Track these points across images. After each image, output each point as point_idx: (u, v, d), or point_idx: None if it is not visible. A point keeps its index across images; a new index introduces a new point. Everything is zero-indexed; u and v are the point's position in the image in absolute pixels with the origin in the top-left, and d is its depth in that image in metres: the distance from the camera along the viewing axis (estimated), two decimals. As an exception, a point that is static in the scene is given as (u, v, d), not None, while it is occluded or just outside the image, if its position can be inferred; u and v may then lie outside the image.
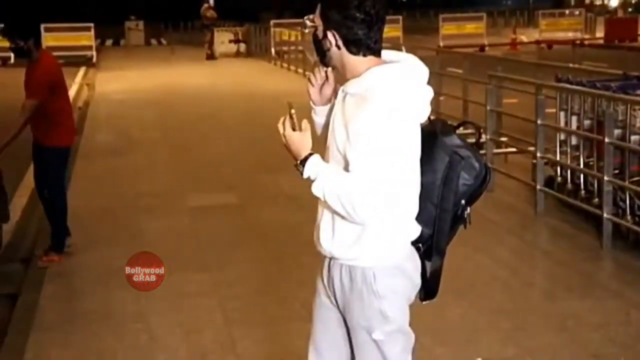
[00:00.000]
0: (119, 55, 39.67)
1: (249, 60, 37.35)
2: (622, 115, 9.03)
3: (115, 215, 10.91)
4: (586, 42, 38.85)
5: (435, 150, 4.27)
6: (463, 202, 4.31)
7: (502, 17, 57.95)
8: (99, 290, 8.39)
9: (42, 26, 36.96)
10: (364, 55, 4.12)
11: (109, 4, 66.48)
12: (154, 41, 48.96)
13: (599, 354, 6.55)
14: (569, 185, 10.25)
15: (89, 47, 37.34)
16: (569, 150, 10.28)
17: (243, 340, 7.08)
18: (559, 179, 10.52)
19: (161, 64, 35.19)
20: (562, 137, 10.41)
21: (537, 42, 39.18)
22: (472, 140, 4.46)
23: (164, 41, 48.22)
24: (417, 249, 4.29)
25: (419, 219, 4.23)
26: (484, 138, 10.84)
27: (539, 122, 10.42)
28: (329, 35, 4.11)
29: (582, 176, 9.97)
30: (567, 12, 49.75)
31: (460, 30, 40.51)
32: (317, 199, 4.16)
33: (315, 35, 4.21)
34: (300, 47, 29.62)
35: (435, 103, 15.97)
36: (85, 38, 37.80)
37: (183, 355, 6.92)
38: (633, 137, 8.93)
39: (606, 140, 8.91)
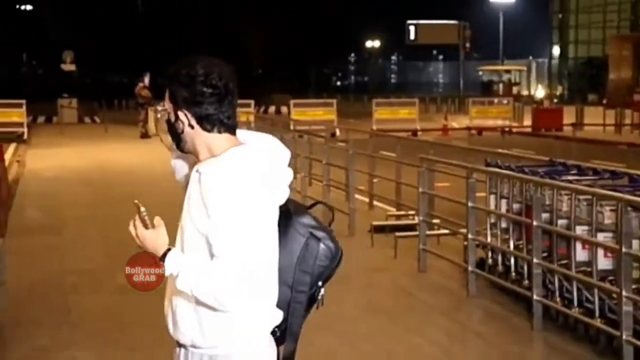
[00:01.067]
0: (51, 132, 39.08)
1: None
2: (549, 200, 9.14)
3: (43, 293, 10.71)
4: (514, 130, 39.19)
5: (290, 230, 4.18)
6: (320, 283, 4.25)
7: (434, 104, 58.63)
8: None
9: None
10: (219, 132, 4.03)
11: (42, 82, 65.80)
12: (87, 119, 48.23)
13: None
14: (500, 267, 10.33)
15: (20, 124, 37.13)
16: (499, 232, 10.37)
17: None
18: (490, 261, 10.58)
19: (95, 141, 34.89)
20: (493, 220, 10.52)
21: (468, 128, 39.40)
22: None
23: (97, 119, 47.64)
24: (273, 333, 4.14)
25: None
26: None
27: (469, 204, 10.48)
28: (181, 115, 4.01)
29: (512, 258, 10.02)
30: (495, 100, 50.78)
31: (393, 114, 40.87)
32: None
33: (168, 120, 4.10)
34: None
35: (368, 185, 16.26)
36: (16, 114, 37.68)
37: None
38: (560, 221, 9.01)
39: (534, 223, 9.01)
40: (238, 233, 3.87)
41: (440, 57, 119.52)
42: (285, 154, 4.13)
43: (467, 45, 74.30)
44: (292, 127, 26.86)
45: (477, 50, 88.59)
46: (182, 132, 4.04)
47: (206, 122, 4.00)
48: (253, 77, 76.14)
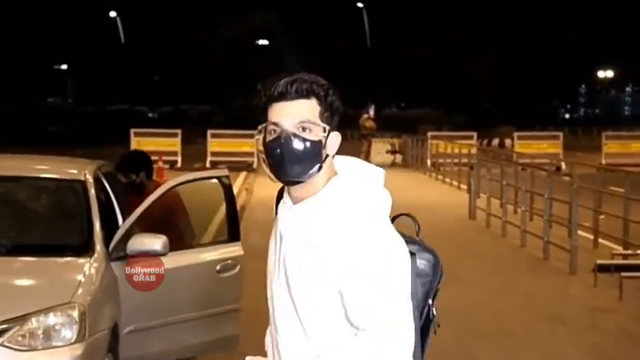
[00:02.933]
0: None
1: (404, 171, 36.78)
2: None
3: (262, 313, 10.73)
4: None
5: None
6: (430, 301, 3.49)
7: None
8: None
9: (209, 132, 38.75)
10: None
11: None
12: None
13: None
14: None
15: (250, 154, 37.72)
16: None
17: None
18: None
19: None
20: None
21: None
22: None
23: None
24: None
25: None
26: None
27: None
28: (331, 138, 3.29)
29: None
30: None
31: (625, 148, 39.50)
32: None
33: (316, 143, 3.28)
34: (458, 160, 29.93)
35: (593, 221, 15.80)
36: (247, 145, 38.35)
37: None
38: None
39: None
40: (389, 284, 3.30)
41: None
42: (380, 173, 3.50)
43: None
44: (515, 160, 26.52)
45: None
46: (324, 160, 3.29)
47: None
48: (481, 110, 75.85)
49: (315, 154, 3.25)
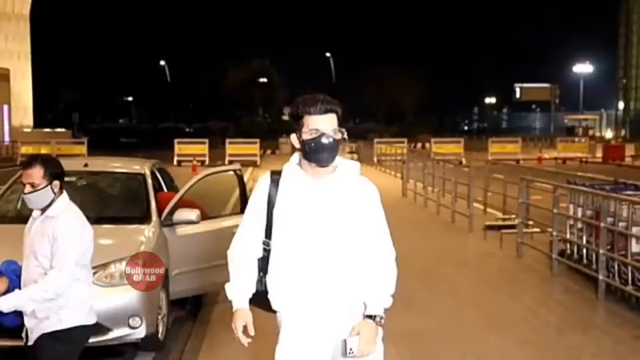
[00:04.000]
0: (274, 160, 40.04)
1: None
2: (613, 208, 8.80)
3: None
4: (589, 160, 38.67)
5: None
6: None
7: (532, 142, 56.65)
8: None
9: (227, 140, 38.79)
10: None
11: (270, 128, 67.27)
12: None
13: None
14: (575, 256, 9.97)
15: (255, 155, 37.84)
16: (575, 231, 10.02)
17: None
18: (568, 251, 10.26)
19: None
20: (571, 222, 10.14)
21: (556, 158, 38.76)
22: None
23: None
24: None
25: None
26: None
27: (555, 211, 10.18)
28: (343, 134, 3.45)
29: (584, 250, 9.68)
30: (576, 139, 49.87)
31: (503, 149, 39.68)
32: None
33: (339, 141, 3.41)
34: (394, 157, 29.81)
35: (484, 197, 15.88)
36: (253, 149, 38.43)
37: None
38: (620, 224, 8.70)
39: (601, 225, 8.71)
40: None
41: (537, 109, 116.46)
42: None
43: (557, 101, 72.51)
44: (432, 157, 26.64)
45: (564, 104, 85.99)
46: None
47: None
48: (408, 123, 75.82)
49: (337, 147, 3.41)
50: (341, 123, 3.44)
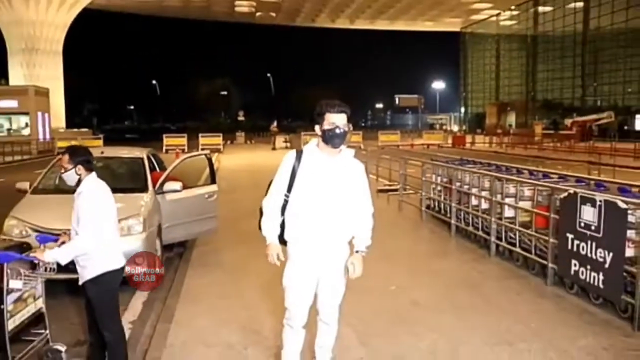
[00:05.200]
0: (232, 149, 39.31)
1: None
2: (460, 176, 8.91)
3: (227, 219, 10.25)
4: (443, 145, 39.23)
5: None
6: None
7: (407, 133, 57.21)
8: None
9: (200, 135, 38.06)
10: None
11: (229, 126, 65.93)
12: (248, 142, 48.56)
13: (449, 284, 6.40)
14: (436, 208, 10.12)
15: (219, 144, 36.92)
16: (436, 192, 10.17)
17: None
18: (432, 205, 10.38)
19: (249, 152, 34.72)
20: (433, 186, 10.28)
21: (423, 144, 39.27)
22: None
23: (251, 142, 47.92)
24: None
25: None
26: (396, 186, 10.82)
27: (423, 179, 10.35)
28: (350, 128, 3.53)
29: (442, 204, 9.84)
30: (435, 132, 50.02)
31: (388, 138, 39.33)
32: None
33: (346, 132, 3.50)
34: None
35: (376, 170, 15.97)
36: (217, 140, 37.45)
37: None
38: (464, 186, 8.70)
39: (453, 187, 8.85)
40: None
41: (409, 112, 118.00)
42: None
43: (422, 106, 73.68)
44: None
45: (427, 108, 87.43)
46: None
47: None
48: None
49: (345, 136, 3.47)
50: (350, 120, 3.50)
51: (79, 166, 4.08)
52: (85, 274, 4.01)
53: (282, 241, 3.62)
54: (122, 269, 4.15)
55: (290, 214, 3.56)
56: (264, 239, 3.67)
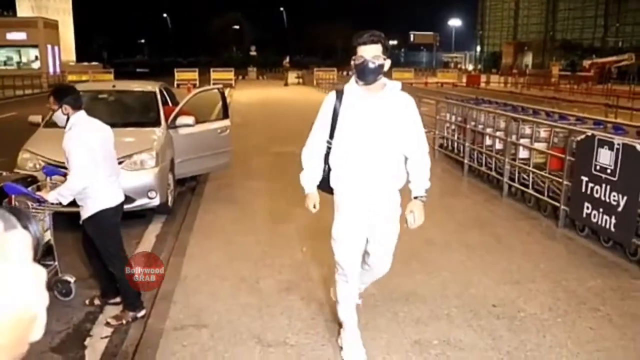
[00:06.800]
0: (244, 84, 39.05)
1: (303, 87, 36.12)
2: (475, 115, 8.79)
3: (239, 153, 10.30)
4: (458, 84, 38.85)
5: None
6: None
7: (421, 71, 56.52)
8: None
9: (212, 69, 37.72)
10: None
11: (242, 60, 64.98)
12: (260, 77, 48.09)
13: (461, 221, 6.38)
14: (450, 148, 10.04)
15: (231, 79, 36.77)
16: (451, 131, 10.04)
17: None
18: (445, 144, 10.30)
19: (262, 87, 34.44)
20: (448, 125, 10.16)
21: (437, 83, 38.85)
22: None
23: (263, 77, 47.46)
24: None
25: None
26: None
27: (437, 117, 10.22)
28: (386, 64, 3.10)
29: (456, 143, 9.75)
30: (449, 70, 49.89)
31: (401, 76, 39.40)
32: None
33: (381, 65, 3.08)
34: (331, 81, 29.26)
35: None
36: (230, 75, 37.21)
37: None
38: (479, 126, 8.68)
39: (467, 127, 8.74)
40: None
41: (424, 49, 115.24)
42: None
43: (437, 44, 71.81)
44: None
45: (442, 46, 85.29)
46: (381, 70, 3.11)
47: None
48: (337, 57, 74.31)
49: (378, 70, 3.07)
50: (387, 51, 3.08)
51: (65, 106, 3.95)
52: (83, 212, 4.01)
53: (330, 190, 3.34)
54: (121, 205, 4.09)
55: (334, 161, 3.25)
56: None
